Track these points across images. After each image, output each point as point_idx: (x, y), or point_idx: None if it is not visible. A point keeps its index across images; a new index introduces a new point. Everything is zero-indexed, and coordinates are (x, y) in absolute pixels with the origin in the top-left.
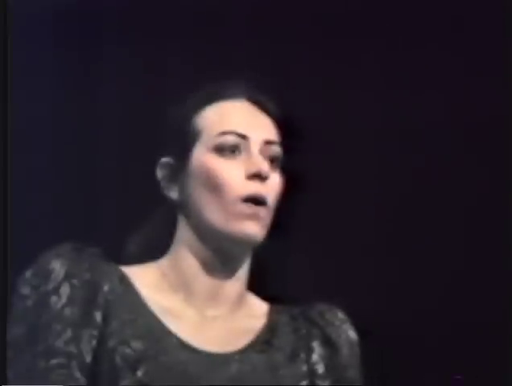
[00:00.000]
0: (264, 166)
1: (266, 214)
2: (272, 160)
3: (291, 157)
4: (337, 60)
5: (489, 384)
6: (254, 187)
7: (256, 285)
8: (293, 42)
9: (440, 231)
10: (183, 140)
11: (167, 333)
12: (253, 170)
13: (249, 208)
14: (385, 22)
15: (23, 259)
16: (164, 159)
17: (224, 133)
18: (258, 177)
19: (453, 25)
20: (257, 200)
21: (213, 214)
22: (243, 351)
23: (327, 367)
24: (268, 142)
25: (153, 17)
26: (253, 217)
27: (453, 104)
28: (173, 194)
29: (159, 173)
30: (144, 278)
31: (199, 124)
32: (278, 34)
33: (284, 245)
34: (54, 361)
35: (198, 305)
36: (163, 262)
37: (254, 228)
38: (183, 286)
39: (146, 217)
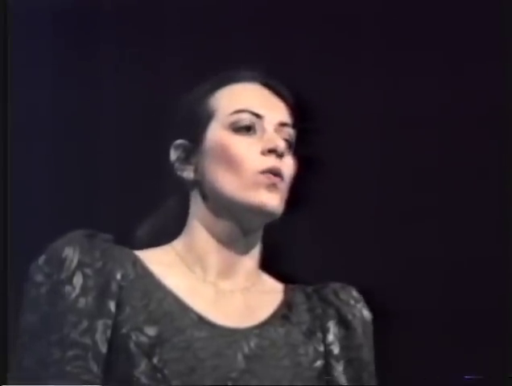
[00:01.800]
0: (280, 142)
1: (283, 187)
2: (286, 142)
3: (303, 141)
4: (348, 45)
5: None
6: (271, 162)
7: (267, 264)
8: (301, 27)
9: (451, 212)
10: (197, 121)
11: (185, 310)
12: (270, 146)
13: (268, 178)
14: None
15: (23, 256)
16: (178, 141)
17: (238, 112)
18: (274, 153)
19: (453, 21)
20: (274, 172)
21: (232, 186)
22: (262, 326)
23: (342, 347)
24: (282, 124)
25: (152, 14)
26: (273, 188)
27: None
28: (187, 174)
29: (173, 155)
30: (158, 260)
31: (212, 104)
32: (284, 21)
33: (295, 226)
34: (70, 353)
35: (214, 281)
36: (177, 243)
37: (274, 200)
38: (198, 263)
39: (149, 210)
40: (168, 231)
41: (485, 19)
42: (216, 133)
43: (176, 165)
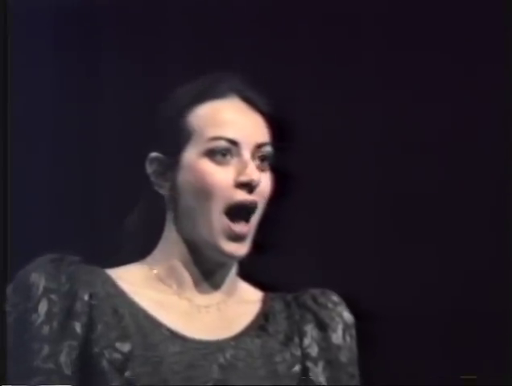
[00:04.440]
0: (255, 175)
1: (251, 230)
2: (263, 159)
3: (282, 153)
4: (332, 60)
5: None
6: (243, 196)
7: (248, 274)
8: (288, 40)
9: (437, 219)
10: (175, 138)
11: (158, 326)
12: (244, 179)
13: (234, 232)
14: (385, 23)
15: (23, 257)
16: (154, 154)
17: (215, 139)
18: (247, 187)
19: (454, 27)
20: (245, 205)
21: (201, 228)
22: (238, 337)
23: (320, 349)
24: (259, 146)
25: (153, 14)
26: (239, 239)
27: (451, 106)
28: (163, 190)
29: (149, 167)
30: (131, 277)
31: (190, 124)
32: (273, 35)
33: (275, 241)
34: (35, 379)
35: (190, 296)
36: (151, 260)
37: (242, 248)
38: (173, 279)
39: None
40: (149, 231)
41: (489, 21)
42: (192, 158)
43: (153, 178)
